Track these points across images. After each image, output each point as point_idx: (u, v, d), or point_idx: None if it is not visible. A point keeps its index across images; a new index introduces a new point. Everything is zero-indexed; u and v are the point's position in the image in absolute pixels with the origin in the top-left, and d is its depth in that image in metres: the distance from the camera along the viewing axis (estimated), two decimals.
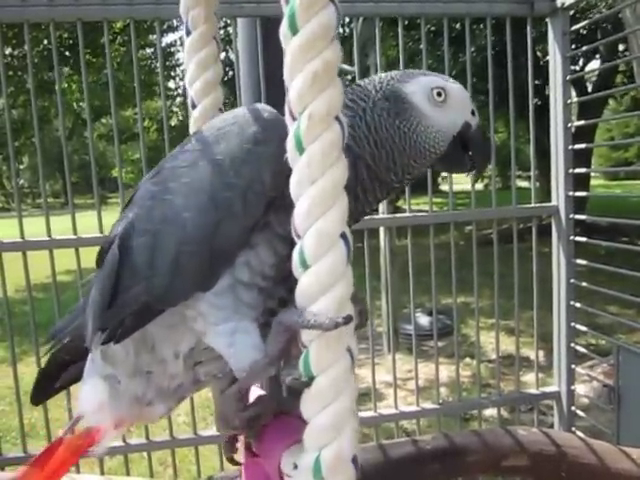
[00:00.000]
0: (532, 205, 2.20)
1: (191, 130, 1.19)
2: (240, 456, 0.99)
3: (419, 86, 0.86)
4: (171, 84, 15.49)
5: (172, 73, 14.81)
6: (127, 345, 0.86)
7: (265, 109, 0.84)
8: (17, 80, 11.92)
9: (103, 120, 16.59)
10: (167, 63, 14.67)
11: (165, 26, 11.49)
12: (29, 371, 3.10)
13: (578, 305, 2.16)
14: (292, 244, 0.77)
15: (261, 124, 0.81)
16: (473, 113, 0.90)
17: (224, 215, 0.79)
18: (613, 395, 1.94)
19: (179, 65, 15.10)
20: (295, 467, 0.77)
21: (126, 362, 0.89)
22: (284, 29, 0.69)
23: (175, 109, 15.52)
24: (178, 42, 13.83)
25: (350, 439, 0.72)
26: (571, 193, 2.13)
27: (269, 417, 0.92)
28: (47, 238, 1.92)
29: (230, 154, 0.80)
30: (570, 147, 2.12)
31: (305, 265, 0.71)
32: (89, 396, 0.91)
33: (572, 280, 2.16)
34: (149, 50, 13.42)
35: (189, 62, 1.17)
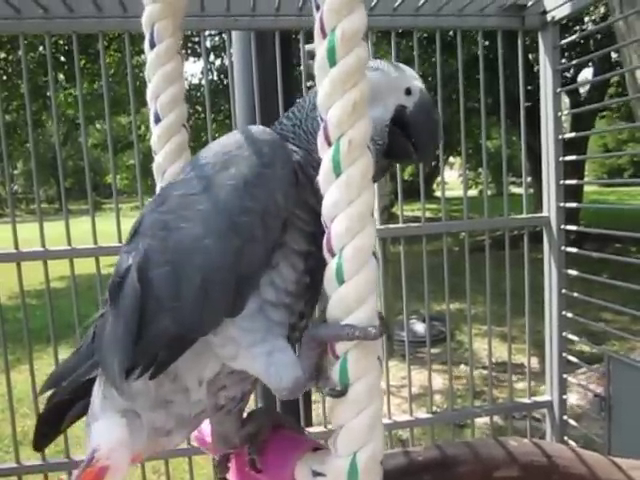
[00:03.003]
0: (523, 216, 2.22)
1: (154, 146, 1.16)
2: (231, 476, 1.01)
3: None
4: None
5: None
6: (136, 379, 0.83)
7: (264, 131, 0.86)
8: (10, 85, 11.88)
9: (98, 126, 16.54)
10: None
11: None
12: (22, 379, 3.08)
13: (570, 315, 2.17)
14: (306, 260, 0.85)
15: (265, 147, 0.82)
16: (409, 92, 0.86)
17: (246, 239, 0.79)
18: (604, 404, 1.95)
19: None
20: (315, 474, 0.83)
21: (146, 395, 0.87)
22: (321, 60, 0.74)
23: None
24: None
25: (382, 441, 0.78)
26: (562, 204, 2.15)
27: (267, 432, 0.96)
28: (41, 249, 1.92)
29: (242, 178, 0.80)
30: (561, 158, 2.14)
31: (341, 280, 0.75)
32: (106, 433, 0.88)
33: (563, 290, 2.17)
34: (144, 57, 13.39)
35: (153, 75, 1.16)
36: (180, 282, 0.79)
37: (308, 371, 0.79)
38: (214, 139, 1.88)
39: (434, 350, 5.42)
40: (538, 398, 2.27)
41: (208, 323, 0.80)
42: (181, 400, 0.88)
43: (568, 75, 11.66)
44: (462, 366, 5.62)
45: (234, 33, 2.12)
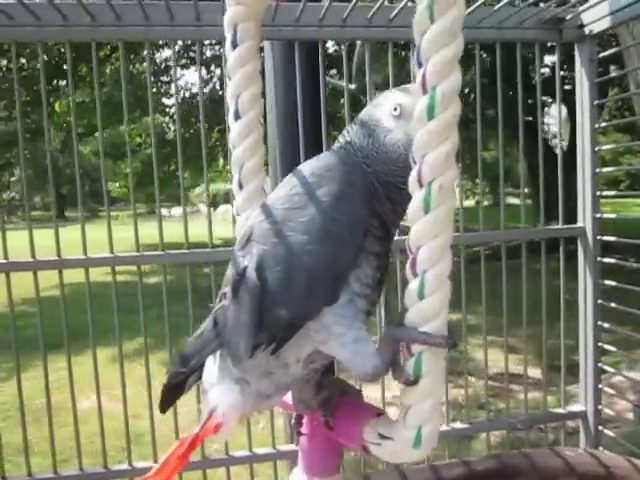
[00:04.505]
0: (559, 227, 2.23)
1: (233, 141, 1.26)
2: (305, 430, 1.24)
3: (383, 106, 1.06)
4: (165, 100, 15.45)
5: (161, 88, 14.74)
6: (257, 354, 1.02)
7: (346, 156, 1.05)
8: (11, 93, 11.89)
9: (97, 134, 16.51)
10: (162, 78, 14.66)
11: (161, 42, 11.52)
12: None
13: (606, 325, 2.19)
14: (377, 259, 1.04)
15: (348, 169, 1.02)
16: None
17: (339, 245, 0.98)
18: None
19: (172, 81, 15.10)
20: (382, 437, 1.00)
21: (255, 367, 1.07)
22: (420, 113, 0.87)
23: (171, 125, 15.42)
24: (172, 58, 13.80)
25: (439, 420, 0.99)
26: (598, 215, 2.17)
27: (337, 397, 1.16)
28: (31, 260, 1.90)
29: (334, 195, 0.99)
30: (597, 170, 2.16)
31: (422, 296, 0.92)
32: (223, 396, 1.09)
33: (599, 301, 2.19)
34: (144, 64, 13.47)
35: (234, 74, 1.21)
36: (290, 280, 0.98)
37: (385, 362, 0.97)
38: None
39: None
40: (572, 408, 2.28)
41: (313, 311, 0.99)
42: (281, 372, 1.08)
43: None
44: (470, 377, 5.61)
45: (267, 43, 2.14)
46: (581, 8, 2.07)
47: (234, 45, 1.18)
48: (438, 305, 0.92)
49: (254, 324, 0.99)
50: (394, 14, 1.96)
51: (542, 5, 2.09)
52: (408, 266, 0.93)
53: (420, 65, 0.86)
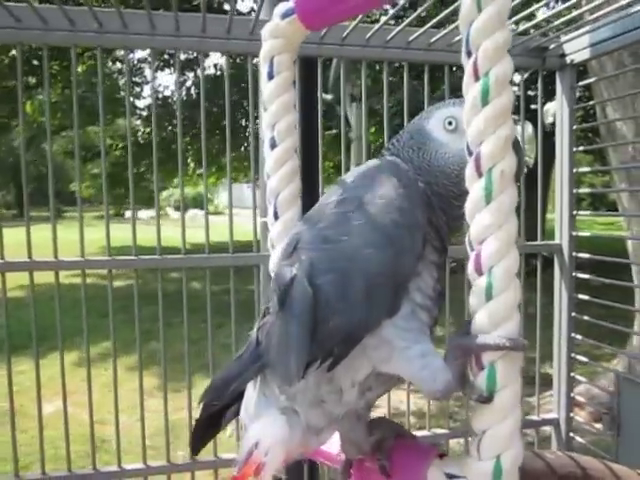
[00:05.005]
0: (538, 242, 2.36)
1: (267, 170, 1.23)
2: None
3: (435, 119, 0.99)
4: (138, 102, 15.30)
5: (133, 90, 14.58)
6: (307, 378, 0.91)
7: (395, 160, 1.00)
8: None
9: (63, 133, 16.18)
10: (135, 79, 14.52)
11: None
12: None
13: (579, 337, 2.32)
14: (438, 269, 0.96)
15: (399, 171, 0.96)
16: None
17: (399, 249, 0.89)
18: (613, 422, 2.08)
19: (148, 82, 14.99)
20: (450, 477, 0.90)
21: (305, 394, 0.95)
22: (474, 100, 0.83)
23: (142, 128, 15.23)
24: (149, 58, 13.71)
25: (522, 446, 0.84)
26: (575, 233, 2.30)
27: (391, 440, 1.04)
28: (28, 259, 1.90)
29: (389, 197, 0.91)
30: (575, 190, 2.30)
31: (490, 296, 0.83)
32: (268, 428, 0.95)
33: (573, 314, 2.32)
34: (117, 65, 13.34)
35: (270, 104, 1.22)
36: (346, 287, 0.88)
37: (457, 377, 0.86)
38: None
39: None
40: (546, 415, 2.39)
41: (372, 320, 0.89)
42: (334, 400, 0.95)
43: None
44: None
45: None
46: (563, 39, 2.21)
47: (270, 76, 1.19)
48: (510, 304, 0.82)
49: (307, 337, 0.86)
50: (391, 36, 2.06)
51: (531, 28, 2.22)
52: (471, 266, 0.84)
53: (469, 55, 0.83)
